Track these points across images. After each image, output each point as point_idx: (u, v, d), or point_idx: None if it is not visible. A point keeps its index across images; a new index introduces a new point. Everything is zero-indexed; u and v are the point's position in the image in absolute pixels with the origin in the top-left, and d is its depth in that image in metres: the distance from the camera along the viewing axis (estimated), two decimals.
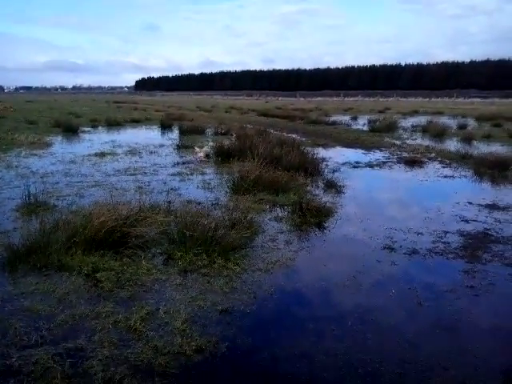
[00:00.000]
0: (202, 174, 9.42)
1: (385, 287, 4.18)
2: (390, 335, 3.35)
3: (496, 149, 13.54)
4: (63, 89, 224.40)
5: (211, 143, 12.97)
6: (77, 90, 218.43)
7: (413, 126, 20.95)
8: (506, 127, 20.21)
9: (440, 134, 17.72)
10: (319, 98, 77.68)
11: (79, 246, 4.61)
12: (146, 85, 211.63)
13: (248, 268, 4.50)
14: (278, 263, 4.64)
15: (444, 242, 5.36)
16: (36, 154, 11.91)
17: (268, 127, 18.60)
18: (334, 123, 23.04)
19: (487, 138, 16.81)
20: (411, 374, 2.89)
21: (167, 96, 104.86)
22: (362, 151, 13.65)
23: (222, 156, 10.94)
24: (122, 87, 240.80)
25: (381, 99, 72.53)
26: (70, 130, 17.89)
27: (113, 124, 21.76)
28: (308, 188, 8.13)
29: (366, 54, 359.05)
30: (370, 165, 11.03)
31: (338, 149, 14.31)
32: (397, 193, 8.29)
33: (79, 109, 35.16)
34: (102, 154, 12.03)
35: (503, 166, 9.94)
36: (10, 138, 14.69)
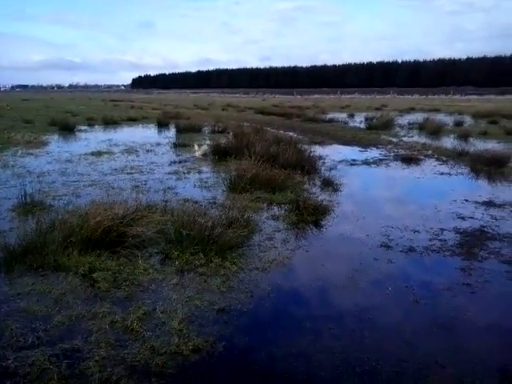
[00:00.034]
0: (199, 172, 9.41)
1: (382, 285, 4.18)
2: (387, 333, 3.35)
3: (492, 146, 13.55)
4: (60, 87, 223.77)
5: (208, 141, 12.94)
6: (73, 88, 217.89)
7: (409, 124, 20.97)
8: (502, 124, 20.24)
9: (436, 131, 17.72)
10: (316, 96, 77.59)
11: (76, 245, 4.60)
12: (143, 83, 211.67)
13: (245, 267, 4.50)
14: (275, 262, 4.64)
15: (440, 240, 5.37)
16: (32, 153, 11.87)
17: (265, 125, 18.58)
18: (330, 121, 23.01)
19: (483, 135, 16.83)
20: (408, 372, 2.90)
21: (164, 94, 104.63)
22: (359, 149, 13.66)
23: (219, 154, 10.93)
24: (118, 85, 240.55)
25: (377, 96, 72.51)
26: (67, 129, 17.84)
27: (109, 122, 21.70)
28: (305, 186, 8.13)
29: (362, 51, 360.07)
30: (366, 162, 11.03)
31: (335, 146, 14.31)
32: (393, 190, 8.29)
33: (76, 107, 35.03)
34: (98, 153, 12.00)
35: (499, 162, 9.96)
36: (6, 137, 14.64)
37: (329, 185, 8.14)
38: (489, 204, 6.98)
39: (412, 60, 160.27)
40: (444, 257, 4.87)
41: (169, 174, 9.22)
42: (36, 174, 9.05)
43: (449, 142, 15.06)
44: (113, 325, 3.35)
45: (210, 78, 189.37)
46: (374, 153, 12.71)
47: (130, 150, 12.68)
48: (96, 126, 20.68)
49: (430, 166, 10.58)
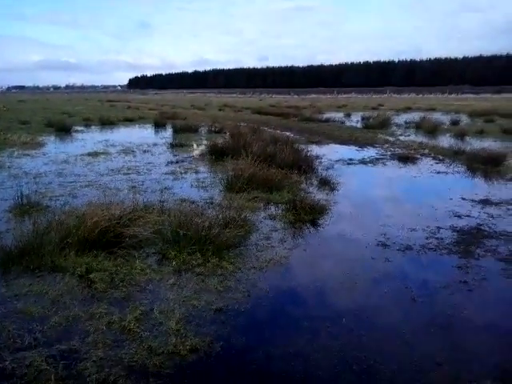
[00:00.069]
0: (196, 172, 9.40)
1: (379, 284, 4.19)
2: (385, 332, 3.36)
3: (489, 144, 13.58)
4: (56, 88, 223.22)
5: (205, 141, 12.93)
6: (70, 89, 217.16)
7: (406, 123, 21.01)
8: (498, 123, 20.30)
9: (433, 130, 17.76)
10: (313, 95, 77.71)
11: (72, 246, 4.59)
12: (140, 83, 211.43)
13: (242, 266, 4.50)
14: (273, 261, 4.64)
15: (437, 238, 5.38)
16: (29, 155, 11.85)
17: (262, 125, 18.57)
18: (327, 120, 23.03)
19: (480, 133, 16.87)
20: (406, 370, 2.90)
21: (160, 94, 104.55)
22: (356, 148, 13.67)
23: (216, 154, 10.92)
24: (115, 86, 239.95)
25: (374, 96, 72.64)
26: (63, 130, 17.80)
27: (106, 123, 21.69)
28: (302, 186, 8.13)
29: (359, 51, 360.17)
30: (363, 162, 11.05)
31: (332, 146, 14.32)
32: (390, 189, 8.30)
33: (72, 108, 34.99)
34: (95, 154, 11.98)
35: (496, 161, 9.99)
36: (3, 138, 14.59)
37: (326, 184, 8.15)
38: (485, 202, 7.00)
39: (408, 59, 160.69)
40: (441, 255, 4.88)
41: (166, 174, 9.21)
42: (32, 175, 9.03)
43: (445, 140, 15.09)
44: (110, 325, 3.35)
45: (206, 78, 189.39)
46: (370, 152, 12.72)
47: (126, 151, 12.67)
48: (92, 127, 20.66)
49: (426, 164, 10.60)
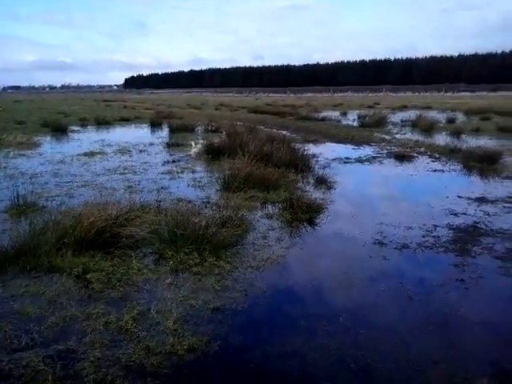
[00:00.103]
0: (193, 172, 9.40)
1: (376, 282, 4.20)
2: (382, 330, 3.36)
3: (485, 142, 13.63)
4: (52, 88, 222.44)
5: (201, 141, 12.92)
6: (65, 88, 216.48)
7: (402, 121, 21.03)
8: (494, 120, 20.35)
9: (429, 128, 17.80)
10: (309, 94, 77.66)
11: (69, 246, 4.58)
12: (136, 83, 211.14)
13: (239, 266, 4.50)
14: (270, 260, 4.65)
15: (434, 236, 5.39)
16: (24, 155, 11.82)
17: (258, 124, 18.58)
18: (323, 119, 23.04)
19: (476, 131, 16.92)
20: (403, 368, 2.91)
21: (156, 94, 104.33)
22: (352, 147, 13.68)
23: (213, 153, 10.92)
24: (111, 85, 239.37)
25: (370, 94, 72.68)
26: (59, 130, 17.76)
27: (102, 123, 21.65)
28: (298, 184, 8.14)
29: (355, 50, 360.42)
30: (360, 160, 11.06)
31: (328, 145, 14.33)
32: (387, 188, 8.32)
33: (68, 108, 34.92)
34: (91, 154, 11.96)
35: (492, 159, 10.01)
36: None
37: (322, 183, 8.16)
38: (481, 200, 7.02)
39: (404, 58, 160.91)
40: (437, 253, 4.89)
41: (162, 173, 9.20)
42: (29, 175, 9.01)
43: (441, 139, 15.11)
44: (107, 325, 3.34)
45: (202, 77, 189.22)
46: (367, 150, 12.74)
47: (123, 151, 12.65)
48: (89, 127, 20.62)
49: (422, 163, 10.62)
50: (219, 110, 33.78)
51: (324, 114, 26.28)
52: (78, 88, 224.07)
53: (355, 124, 21.05)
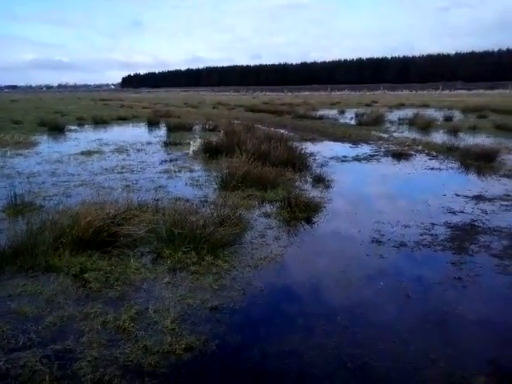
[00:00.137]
0: (190, 170, 9.39)
1: (373, 281, 4.20)
2: (379, 329, 3.36)
3: (482, 140, 13.66)
4: (49, 87, 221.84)
5: (199, 140, 12.92)
6: (62, 88, 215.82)
7: (399, 119, 21.04)
8: (491, 118, 20.39)
9: (426, 126, 17.81)
10: (306, 93, 77.68)
11: (66, 246, 4.57)
12: (133, 82, 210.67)
13: (237, 265, 4.50)
14: (267, 259, 4.65)
15: (431, 235, 5.40)
16: (22, 154, 11.80)
17: (256, 123, 18.56)
18: (321, 117, 23.04)
19: (473, 129, 16.94)
20: (400, 366, 2.91)
21: (154, 93, 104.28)
22: (350, 145, 13.69)
23: (210, 152, 10.90)
24: (108, 85, 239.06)
25: (367, 93, 72.71)
26: (56, 129, 17.73)
27: (99, 122, 21.62)
28: (296, 183, 8.14)
29: (352, 48, 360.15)
30: (357, 159, 11.07)
31: (326, 143, 14.33)
32: (384, 186, 8.32)
33: (65, 107, 34.85)
34: (88, 153, 11.94)
35: (489, 157, 10.03)
36: None
37: (320, 181, 8.16)
38: (479, 198, 7.03)
39: (401, 56, 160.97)
40: (435, 251, 4.89)
41: (160, 172, 9.19)
42: (26, 174, 8.99)
43: (439, 137, 15.13)
44: (105, 325, 3.34)
45: (200, 76, 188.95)
46: (364, 149, 12.74)
47: (120, 150, 12.63)
48: (86, 126, 20.58)
49: (420, 161, 10.63)
50: (216, 109, 33.76)
51: (321, 112, 26.30)
52: (75, 87, 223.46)
53: (352, 122, 21.06)
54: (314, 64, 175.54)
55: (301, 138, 14.52)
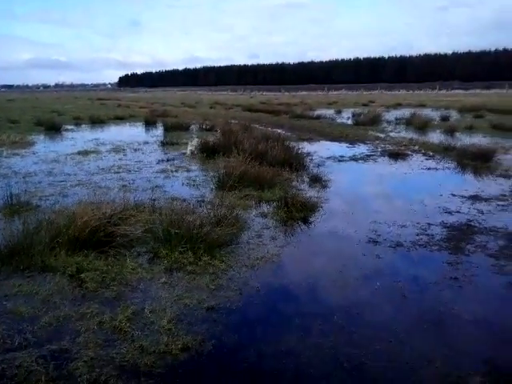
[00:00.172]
0: (187, 170, 9.38)
1: (370, 281, 4.20)
2: (376, 328, 3.37)
3: (478, 140, 13.69)
4: (45, 87, 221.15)
5: (196, 139, 12.91)
6: (59, 87, 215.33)
7: (396, 119, 21.07)
8: (487, 118, 20.43)
9: (423, 126, 17.84)
10: (303, 92, 77.73)
11: (63, 246, 4.56)
12: (130, 81, 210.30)
13: (234, 265, 4.50)
14: (264, 259, 4.65)
15: (428, 235, 5.41)
16: (18, 154, 11.77)
17: (253, 122, 18.57)
18: (318, 117, 23.06)
19: (470, 129, 16.97)
20: (397, 366, 2.92)
21: (151, 92, 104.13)
22: (347, 145, 13.70)
23: (207, 152, 10.90)
24: (105, 84, 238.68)
25: (365, 92, 72.78)
26: (53, 129, 17.69)
27: (96, 122, 21.58)
28: (293, 183, 8.14)
29: (349, 48, 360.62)
30: (354, 158, 11.07)
31: (323, 143, 14.34)
32: (381, 186, 8.33)
33: (62, 107, 34.77)
34: (85, 153, 11.92)
35: (485, 157, 10.05)
36: None
37: (317, 181, 8.17)
38: (475, 198, 7.04)
39: (398, 55, 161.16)
40: (431, 251, 4.90)
41: (157, 172, 9.18)
42: (22, 174, 8.97)
43: (435, 136, 15.16)
44: (101, 325, 3.33)
45: (197, 75, 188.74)
46: (361, 149, 12.75)
47: (117, 149, 12.61)
48: (83, 126, 20.54)
49: (417, 161, 10.65)
50: (214, 109, 33.74)
51: (318, 112, 26.32)
52: (72, 87, 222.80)
53: (350, 122, 21.08)
54: (312, 63, 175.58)
55: (298, 138, 14.53)
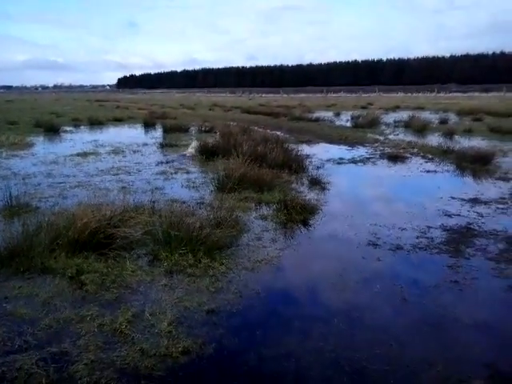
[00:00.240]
0: (187, 172, 9.38)
1: (370, 284, 4.20)
2: (376, 332, 3.37)
3: (477, 143, 13.70)
4: (44, 88, 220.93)
5: (195, 141, 12.90)
6: (58, 88, 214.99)
7: (395, 122, 21.07)
8: (486, 121, 20.46)
9: (422, 128, 17.85)
10: (302, 95, 77.69)
11: (63, 248, 4.56)
12: (129, 83, 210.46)
13: (234, 267, 4.49)
14: (264, 261, 4.64)
15: (427, 238, 5.41)
16: (17, 155, 11.75)
17: (252, 124, 18.56)
18: (317, 119, 23.05)
19: (468, 132, 16.99)
20: (398, 370, 2.91)
21: (149, 94, 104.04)
22: (346, 147, 13.70)
23: (207, 154, 10.90)
24: (103, 85, 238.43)
25: (363, 95, 72.77)
26: (52, 130, 17.68)
27: (95, 123, 21.57)
28: (292, 185, 8.14)
29: (348, 50, 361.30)
30: (353, 161, 11.08)
31: (322, 145, 14.34)
32: (380, 189, 8.33)
33: (60, 108, 34.76)
34: (84, 154, 11.91)
35: (484, 160, 10.06)
36: None
37: (316, 184, 8.17)
38: (474, 201, 7.05)
39: (397, 58, 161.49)
40: (431, 254, 4.90)
41: (156, 174, 9.18)
42: (21, 175, 8.96)
43: (434, 139, 15.15)
44: (101, 327, 3.33)
45: (196, 77, 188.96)
46: (360, 151, 12.76)
47: (116, 151, 12.60)
48: (81, 127, 20.54)
49: (415, 163, 10.66)
50: (213, 111, 33.73)
51: (317, 114, 26.30)
52: (71, 88, 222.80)
53: (348, 124, 21.09)
54: (310, 66, 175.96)
55: (297, 140, 14.53)
